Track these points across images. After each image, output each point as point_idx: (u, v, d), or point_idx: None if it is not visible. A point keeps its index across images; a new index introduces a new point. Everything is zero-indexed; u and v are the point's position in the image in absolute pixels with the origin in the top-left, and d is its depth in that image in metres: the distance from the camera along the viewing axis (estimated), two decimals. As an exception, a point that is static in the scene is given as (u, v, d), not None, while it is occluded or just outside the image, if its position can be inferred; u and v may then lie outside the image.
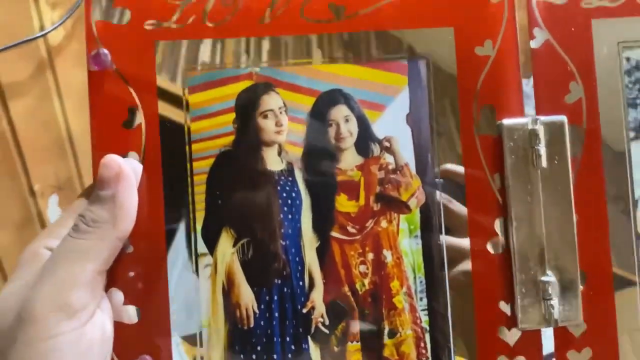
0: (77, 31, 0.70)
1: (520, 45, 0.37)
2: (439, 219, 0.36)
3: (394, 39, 0.36)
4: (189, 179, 0.35)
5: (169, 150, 0.35)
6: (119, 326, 0.34)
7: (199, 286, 0.35)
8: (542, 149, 0.36)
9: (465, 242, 0.36)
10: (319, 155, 0.36)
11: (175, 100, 0.36)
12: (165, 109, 0.36)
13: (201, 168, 0.36)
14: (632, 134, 0.37)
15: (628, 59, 0.37)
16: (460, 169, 0.36)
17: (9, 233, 0.70)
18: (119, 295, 0.35)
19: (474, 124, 0.37)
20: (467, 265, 0.36)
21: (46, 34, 0.66)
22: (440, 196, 0.36)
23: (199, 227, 0.35)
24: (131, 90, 0.35)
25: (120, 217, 0.33)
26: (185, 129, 0.36)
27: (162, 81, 0.35)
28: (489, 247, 0.36)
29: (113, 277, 0.35)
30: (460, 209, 0.36)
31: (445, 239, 0.36)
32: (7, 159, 0.68)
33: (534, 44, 0.37)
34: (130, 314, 0.35)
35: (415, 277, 0.36)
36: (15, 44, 0.64)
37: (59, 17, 0.67)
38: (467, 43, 0.37)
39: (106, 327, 0.33)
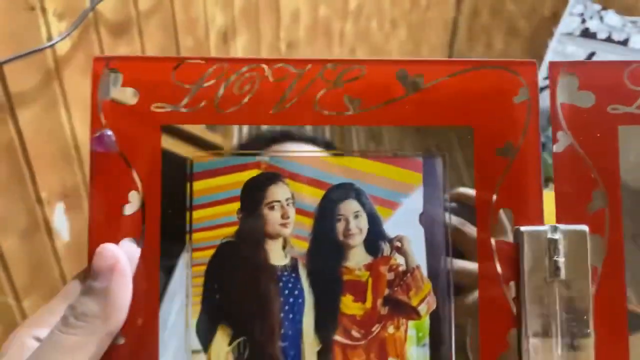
0: (84, 41, 0.72)
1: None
2: (450, 329, 0.33)
3: (410, 134, 0.34)
4: (187, 270, 0.33)
5: (169, 239, 0.33)
6: None
7: (190, 387, 0.32)
8: (562, 261, 0.33)
9: (474, 356, 0.33)
10: (325, 252, 0.34)
11: (177, 187, 0.34)
12: (168, 196, 0.33)
13: (200, 259, 0.33)
14: (657, 248, 0.35)
15: (655, 168, 0.35)
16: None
17: (16, 239, 0.70)
18: (104, 391, 0.32)
19: (490, 228, 0.34)
20: (476, 377, 0.33)
21: (54, 44, 0.66)
22: (452, 302, 0.33)
23: (193, 321, 0.33)
24: (134, 173, 0.33)
25: (111, 312, 0.30)
26: (187, 217, 0.33)
27: (166, 164, 0.33)
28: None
29: (101, 372, 0.32)
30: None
31: (455, 351, 0.33)
32: (15, 167, 0.68)
33: (557, 148, 0.35)
34: (115, 412, 0.32)
35: (421, 389, 0.33)
36: (23, 54, 0.63)
37: (66, 28, 0.67)
38: (486, 143, 0.35)
39: None
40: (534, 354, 0.33)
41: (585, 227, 0.34)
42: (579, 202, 0.35)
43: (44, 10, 0.66)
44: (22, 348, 0.30)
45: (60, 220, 0.74)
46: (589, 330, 0.34)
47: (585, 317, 0.34)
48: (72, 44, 0.70)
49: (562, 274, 0.34)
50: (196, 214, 0.34)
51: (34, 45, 0.64)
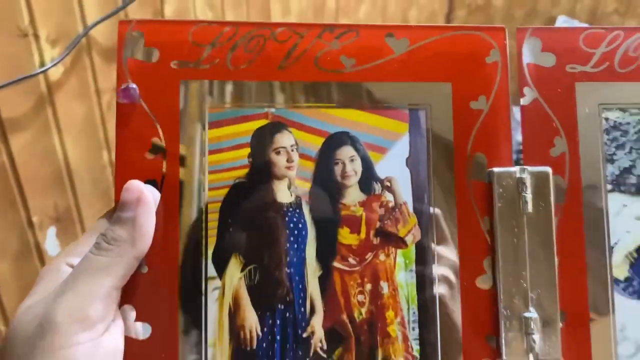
0: (76, 67, 0.72)
1: (512, 101, 0.40)
2: (433, 256, 0.38)
3: (398, 89, 0.39)
4: (204, 207, 0.37)
5: (187, 179, 0.37)
6: (130, 341, 0.35)
7: (207, 307, 0.36)
8: (529, 196, 0.38)
9: (455, 278, 0.38)
10: (325, 191, 0.38)
11: (194, 134, 0.38)
12: (186, 142, 0.37)
13: (216, 197, 0.37)
14: (609, 187, 0.40)
15: (607, 119, 0.40)
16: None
17: (7, 264, 0.70)
18: (132, 312, 0.36)
19: (466, 170, 0.39)
20: (457, 299, 0.38)
21: (46, 70, 0.66)
22: (435, 233, 0.38)
23: (210, 252, 0.37)
24: (156, 123, 0.37)
25: (138, 237, 0.34)
26: (204, 160, 0.37)
27: (184, 114, 0.37)
28: (478, 284, 0.38)
29: (127, 295, 0.36)
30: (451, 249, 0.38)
31: (437, 273, 0.38)
32: (7, 191, 0.68)
33: (523, 101, 0.40)
34: (142, 330, 0.36)
35: (408, 308, 0.38)
36: (16, 80, 0.63)
37: (59, 54, 0.68)
38: (463, 97, 0.39)
39: (119, 341, 0.34)
40: (505, 277, 0.38)
41: (548, 169, 0.39)
42: (543, 148, 0.39)
43: (36, 37, 0.66)
44: (57, 273, 0.34)
45: (52, 244, 0.75)
46: (553, 256, 0.38)
47: (549, 246, 0.38)
48: (65, 69, 0.70)
49: (529, 208, 0.38)
50: (211, 158, 0.38)
51: (27, 71, 0.64)
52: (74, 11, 0.70)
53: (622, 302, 0.39)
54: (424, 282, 0.38)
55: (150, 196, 0.35)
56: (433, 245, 0.38)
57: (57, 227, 0.74)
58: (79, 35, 0.68)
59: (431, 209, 0.38)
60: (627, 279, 0.39)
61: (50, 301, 0.32)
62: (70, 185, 0.74)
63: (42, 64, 0.67)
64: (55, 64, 0.66)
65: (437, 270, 0.38)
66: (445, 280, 0.38)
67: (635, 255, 0.40)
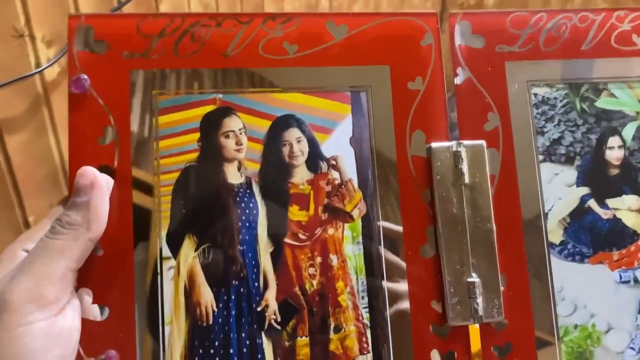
0: None
1: (446, 81, 0.41)
2: (378, 228, 0.39)
3: (339, 73, 0.40)
4: (157, 191, 0.38)
5: (140, 164, 0.38)
6: (87, 323, 0.36)
7: (163, 287, 0.37)
8: (465, 168, 0.40)
9: (399, 248, 0.39)
10: (274, 171, 0.39)
11: (145, 121, 0.38)
12: (137, 129, 0.38)
13: (168, 180, 0.38)
14: (541, 157, 0.42)
15: (535, 95, 0.42)
16: None
17: None
18: (88, 294, 0.36)
19: (407, 147, 0.40)
20: (402, 268, 0.39)
21: (42, 70, 0.66)
22: (380, 208, 0.39)
23: (164, 233, 0.37)
24: (107, 111, 0.38)
25: (93, 220, 0.35)
26: (155, 145, 0.38)
27: (134, 102, 0.38)
28: (421, 252, 0.39)
29: (84, 278, 0.36)
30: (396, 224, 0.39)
31: (383, 244, 0.39)
32: (3, 191, 0.67)
33: (457, 81, 0.41)
34: (98, 312, 0.36)
35: (357, 279, 0.39)
36: (11, 80, 0.63)
37: (54, 55, 0.67)
38: (401, 79, 0.41)
39: (75, 322, 0.34)
40: (447, 245, 0.39)
41: (483, 142, 0.41)
42: (477, 123, 0.41)
43: (32, 38, 0.66)
44: (13, 257, 0.34)
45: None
46: (491, 224, 0.40)
47: (487, 214, 0.40)
48: (61, 69, 0.70)
49: (466, 178, 0.40)
50: (162, 143, 0.38)
51: (22, 72, 0.64)
52: (69, 12, 0.69)
53: (558, 265, 0.41)
54: (370, 253, 0.39)
55: (104, 181, 0.36)
56: (378, 218, 0.39)
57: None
58: (75, 36, 0.68)
59: (375, 184, 0.40)
60: (562, 243, 0.41)
61: (5, 282, 0.32)
62: (66, 185, 0.72)
63: (38, 64, 0.66)
64: (51, 65, 0.66)
65: (383, 241, 0.39)
66: (390, 250, 0.39)
67: (568, 220, 0.42)
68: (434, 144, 0.40)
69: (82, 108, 0.38)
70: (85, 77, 0.38)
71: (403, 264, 0.39)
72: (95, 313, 0.36)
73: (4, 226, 0.69)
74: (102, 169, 0.37)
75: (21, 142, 0.68)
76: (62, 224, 0.34)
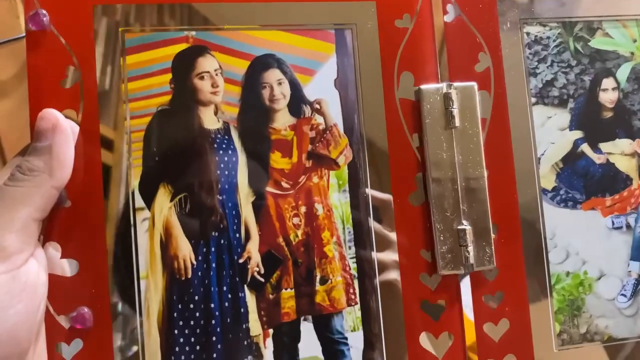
0: None
1: (435, 19, 0.38)
2: (365, 175, 0.36)
3: (322, 9, 0.37)
4: (127, 136, 0.34)
5: (107, 108, 0.34)
6: (56, 279, 0.32)
7: (137, 239, 0.34)
8: (456, 111, 0.37)
9: (387, 196, 0.36)
10: (254, 115, 0.36)
11: (111, 61, 0.34)
12: (102, 69, 0.34)
13: (139, 126, 0.34)
14: (533, 100, 0.39)
15: (528, 34, 0.39)
16: None
17: None
18: (56, 248, 0.33)
19: (394, 89, 0.37)
20: (390, 216, 0.36)
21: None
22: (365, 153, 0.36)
23: (135, 182, 0.34)
24: (69, 50, 0.34)
25: (56, 166, 0.31)
26: (123, 88, 0.34)
27: (99, 41, 0.34)
28: (410, 200, 0.37)
29: (50, 231, 0.33)
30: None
31: (370, 192, 0.36)
32: None
33: (447, 18, 0.38)
34: (68, 267, 0.33)
35: (344, 228, 0.36)
36: None
37: None
38: (387, 16, 0.38)
39: (40, 276, 0.31)
40: (437, 192, 0.37)
41: (474, 84, 0.38)
42: (468, 63, 0.38)
43: None
44: None
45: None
46: (483, 169, 0.37)
47: (478, 159, 0.37)
48: None
49: (457, 122, 0.37)
50: (131, 85, 0.35)
51: (11, 35, 0.61)
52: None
53: (550, 211, 0.39)
54: (357, 201, 0.36)
55: (67, 124, 0.32)
56: (364, 165, 0.36)
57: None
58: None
59: (361, 129, 0.37)
60: (554, 189, 0.39)
61: (-39, 235, 0.29)
62: None
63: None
64: None
65: (370, 189, 0.36)
66: (378, 198, 0.36)
67: (561, 165, 0.39)
68: (423, 86, 0.37)
69: (41, 47, 0.34)
70: (44, 12, 0.34)
71: (391, 212, 0.36)
72: (64, 268, 0.33)
73: None
74: (66, 115, 0.33)
75: (7, 108, 0.65)
76: (22, 170, 0.31)
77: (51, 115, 0.32)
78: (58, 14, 0.34)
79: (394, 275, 0.36)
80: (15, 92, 0.64)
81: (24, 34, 0.59)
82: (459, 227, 0.37)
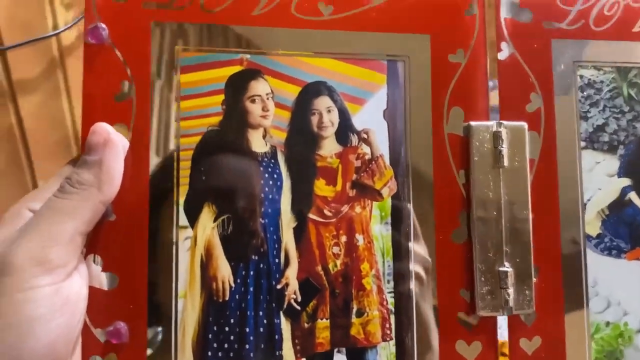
0: None
1: (489, 56, 0.37)
2: (408, 208, 0.35)
3: (376, 40, 0.36)
4: (175, 154, 0.34)
5: (158, 125, 0.34)
6: (95, 292, 0.32)
7: (178, 257, 0.33)
8: (505, 150, 0.36)
9: (430, 231, 0.35)
10: (301, 141, 0.35)
11: (166, 78, 0.34)
12: (158, 86, 0.34)
13: (188, 144, 0.34)
14: (583, 144, 0.38)
15: (581, 77, 0.38)
16: None
17: None
18: (98, 261, 0.32)
19: (444, 124, 0.36)
20: (431, 252, 0.35)
21: (59, 33, 0.64)
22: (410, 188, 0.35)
23: (181, 200, 0.33)
24: (125, 64, 0.34)
25: (105, 181, 0.31)
26: (175, 106, 0.34)
27: (155, 57, 0.34)
28: (453, 237, 0.36)
29: (94, 244, 0.33)
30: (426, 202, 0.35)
31: (412, 226, 0.35)
32: (14, 154, 0.66)
33: (500, 56, 0.37)
34: (107, 281, 0.32)
35: (384, 261, 0.35)
36: (28, 41, 0.61)
37: (73, 18, 0.65)
38: (441, 50, 0.37)
39: (82, 290, 0.30)
40: (480, 231, 0.36)
41: (524, 124, 0.37)
42: (519, 103, 0.37)
43: (51, 0, 0.64)
44: (18, 217, 0.31)
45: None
46: (528, 211, 0.36)
47: (524, 200, 0.36)
48: (78, 33, 0.67)
49: (505, 161, 0.36)
50: (183, 103, 0.34)
51: (40, 33, 0.62)
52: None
53: (594, 258, 0.37)
54: (399, 234, 0.35)
55: (118, 138, 0.32)
56: (408, 198, 0.36)
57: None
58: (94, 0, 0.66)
59: (408, 162, 0.36)
60: (599, 236, 0.38)
61: (9, 243, 0.29)
62: (77, 151, 0.71)
63: (56, 27, 0.64)
64: (68, 28, 0.63)
65: (413, 222, 0.35)
66: (420, 233, 0.35)
67: (607, 212, 0.38)
68: (473, 123, 0.36)
69: (98, 60, 0.34)
70: (104, 26, 0.34)
71: (433, 248, 0.35)
72: (104, 281, 0.32)
73: (13, 188, 0.69)
74: (117, 129, 0.33)
75: (34, 105, 0.67)
76: (72, 182, 0.31)
77: (103, 129, 0.32)
78: (117, 28, 0.34)
79: (431, 313, 0.35)
80: (42, 88, 0.66)
81: (50, 33, 0.63)
82: (501, 269, 0.36)
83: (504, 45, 0.38)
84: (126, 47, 0.34)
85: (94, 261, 0.32)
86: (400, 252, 0.35)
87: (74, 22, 0.64)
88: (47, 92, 0.67)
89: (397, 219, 0.36)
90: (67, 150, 0.71)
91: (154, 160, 0.34)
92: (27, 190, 0.69)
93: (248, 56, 0.35)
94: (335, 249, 0.35)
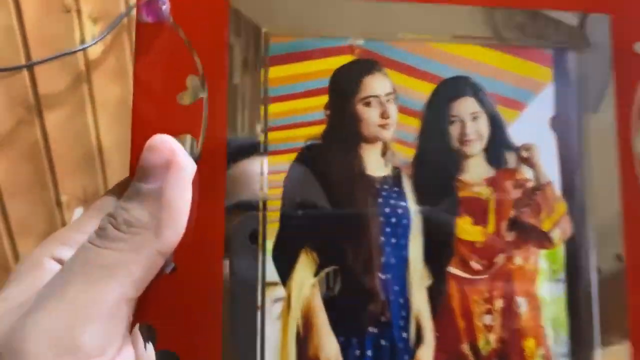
0: (116, 46, 0.68)
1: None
2: (589, 259, 0.24)
3: (539, 21, 0.25)
4: (262, 179, 0.23)
5: (238, 137, 0.23)
6: (147, 380, 0.21)
7: (265, 328, 0.22)
8: None
9: (622, 290, 0.24)
10: (436, 161, 0.25)
11: (250, 72, 0.24)
12: (238, 81, 0.24)
13: (278, 164, 0.24)
14: None
15: None
16: None
17: (32, 242, 0.67)
18: (149, 334, 0.22)
19: (636, 138, 0.25)
20: (621, 318, 0.24)
21: (86, 48, 0.64)
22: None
23: (269, 245, 0.23)
24: (193, 52, 0.24)
25: (166, 221, 0.21)
26: (262, 111, 0.24)
27: (234, 44, 0.24)
28: (656, 302, 0.24)
29: (145, 309, 0.22)
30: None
31: (597, 284, 0.24)
32: (38, 168, 0.66)
33: None
34: (164, 362, 0.22)
35: (556, 337, 0.24)
36: (55, 56, 0.60)
37: (100, 32, 0.65)
38: (626, 35, 0.26)
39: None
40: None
41: None
42: None
43: (79, 13, 0.63)
44: (38, 270, 0.21)
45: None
46: None
47: None
48: (104, 48, 0.67)
49: None
50: (273, 107, 0.24)
51: (66, 48, 0.62)
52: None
53: None
54: (578, 297, 0.24)
55: (186, 159, 0.22)
56: (591, 243, 0.24)
57: (84, 208, 0.74)
58: (121, 14, 0.65)
59: (586, 192, 0.25)
60: None
61: (22, 316, 0.19)
62: (101, 167, 0.72)
63: (83, 41, 0.65)
64: (95, 42, 0.63)
65: (599, 281, 0.24)
66: (608, 294, 0.24)
67: None
68: (681, 137, 0.25)
69: (155, 46, 0.24)
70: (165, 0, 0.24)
71: (623, 312, 0.24)
72: (158, 363, 0.22)
73: (37, 204, 0.67)
74: (181, 141, 0.23)
75: (59, 119, 0.66)
76: (118, 223, 0.21)
77: (166, 146, 0.21)
78: (182, 4, 0.24)
79: (629, 414, 0.24)
80: (67, 103, 0.66)
81: (78, 48, 0.60)
82: None
83: None
84: (194, 29, 0.24)
85: (145, 336, 0.22)
86: (580, 324, 0.24)
87: (101, 36, 0.63)
88: (72, 106, 0.67)
89: (575, 275, 0.25)
90: (91, 165, 0.70)
91: (232, 189, 0.23)
92: (51, 206, 0.68)
93: (361, 42, 0.25)
94: (488, 319, 0.24)
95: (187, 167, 0.22)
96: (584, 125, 0.25)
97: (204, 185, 0.23)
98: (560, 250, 0.25)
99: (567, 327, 0.24)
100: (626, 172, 0.25)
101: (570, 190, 0.25)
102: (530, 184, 0.25)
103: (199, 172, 0.23)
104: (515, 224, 0.25)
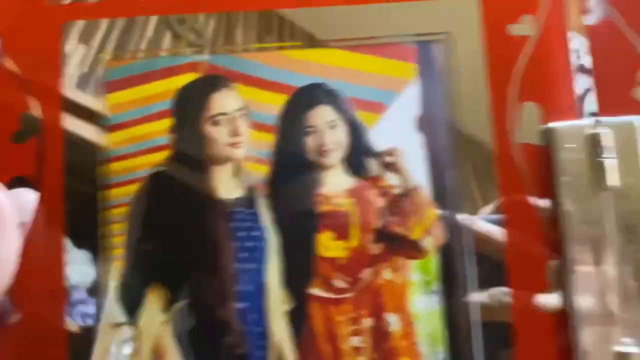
0: None
1: (571, 22, 0.24)
2: (465, 268, 0.22)
3: (400, 14, 0.23)
4: (102, 214, 0.22)
5: (76, 173, 0.22)
6: None
7: (114, 372, 0.21)
8: (611, 162, 0.22)
9: (503, 299, 0.22)
10: (293, 176, 0.23)
11: (86, 103, 0.22)
12: (73, 115, 0.22)
13: (120, 197, 0.22)
14: None
15: None
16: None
17: None
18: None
19: (510, 130, 0.23)
20: (503, 330, 0.22)
21: None
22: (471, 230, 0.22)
23: (113, 283, 0.21)
24: (27, 88, 0.22)
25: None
26: (102, 141, 0.22)
27: (69, 72, 0.22)
28: (538, 304, 0.22)
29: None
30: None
31: (476, 296, 0.22)
32: None
33: (589, 20, 0.24)
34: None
35: (433, 352, 0.22)
36: None
37: None
38: (496, 19, 0.24)
39: None
40: (577, 288, 0.22)
41: (635, 119, 0.23)
42: (623, 87, 0.24)
43: None
44: None
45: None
46: (656, 256, 0.22)
47: (649, 240, 0.22)
48: None
49: (613, 179, 0.22)
50: (113, 136, 0.22)
51: None
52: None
53: None
54: (454, 309, 0.22)
55: (8, 205, 0.20)
56: (466, 251, 0.22)
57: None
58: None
59: (458, 194, 0.23)
60: None
61: None
62: None
63: None
64: None
65: (475, 290, 0.22)
66: (490, 303, 0.22)
67: None
68: (556, 125, 0.23)
69: (-16, 84, 0.22)
70: (-12, 34, 0.22)
71: (506, 324, 0.22)
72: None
73: None
74: (17, 183, 0.22)
75: None
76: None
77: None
78: (13, 35, 0.23)
79: None
80: None
81: None
82: (617, 349, 0.22)
83: (593, 3, 0.24)
84: (27, 62, 0.23)
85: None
86: (457, 338, 0.22)
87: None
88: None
89: (451, 286, 0.22)
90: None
91: (71, 226, 0.22)
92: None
93: (206, 57, 0.23)
94: (356, 340, 0.22)
95: (7, 215, 0.20)
96: (453, 123, 0.23)
97: (42, 226, 0.22)
98: (433, 260, 0.23)
99: (445, 342, 0.22)
100: (504, 170, 0.23)
101: (441, 194, 0.23)
102: (396, 191, 0.23)
103: (41, 210, 0.22)
104: (381, 235, 0.23)
